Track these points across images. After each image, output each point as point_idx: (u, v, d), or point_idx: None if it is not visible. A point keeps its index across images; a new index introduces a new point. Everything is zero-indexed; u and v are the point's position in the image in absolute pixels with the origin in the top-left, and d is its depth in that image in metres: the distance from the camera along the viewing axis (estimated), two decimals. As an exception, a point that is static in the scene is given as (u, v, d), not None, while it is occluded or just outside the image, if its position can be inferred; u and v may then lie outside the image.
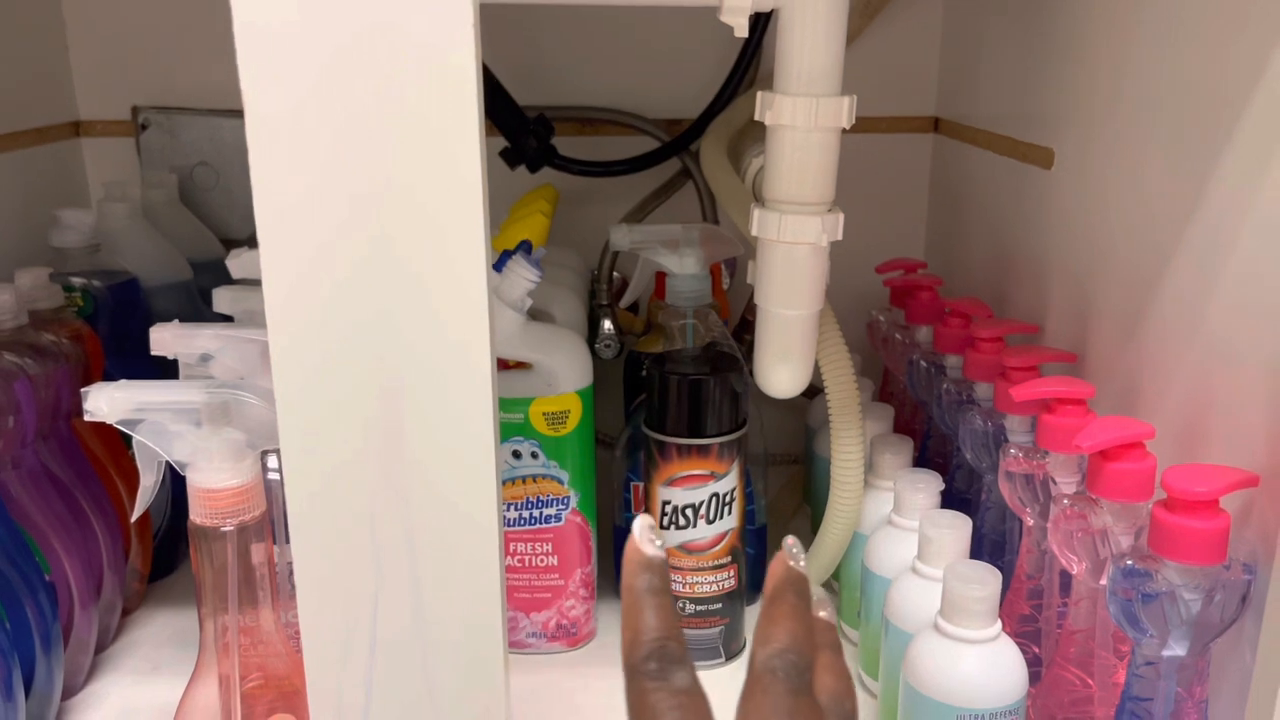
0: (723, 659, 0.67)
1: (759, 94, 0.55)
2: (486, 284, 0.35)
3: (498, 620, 0.39)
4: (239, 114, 0.90)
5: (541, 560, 0.66)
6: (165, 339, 0.47)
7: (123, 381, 0.43)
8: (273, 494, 0.48)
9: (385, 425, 0.36)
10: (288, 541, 0.52)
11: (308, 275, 0.35)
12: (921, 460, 0.72)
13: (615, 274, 0.82)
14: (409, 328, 0.36)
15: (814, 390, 0.66)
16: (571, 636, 0.69)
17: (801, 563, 0.34)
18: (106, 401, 0.42)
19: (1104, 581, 0.48)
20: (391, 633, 0.38)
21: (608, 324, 0.80)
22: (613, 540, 0.75)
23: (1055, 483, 0.53)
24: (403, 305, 0.36)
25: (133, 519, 0.47)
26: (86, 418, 0.42)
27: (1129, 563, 0.43)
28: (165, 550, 0.76)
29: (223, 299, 0.56)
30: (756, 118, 0.56)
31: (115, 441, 0.70)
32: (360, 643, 0.39)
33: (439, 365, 0.36)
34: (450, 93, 0.34)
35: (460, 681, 0.39)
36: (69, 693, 0.62)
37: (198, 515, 0.44)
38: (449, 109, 0.34)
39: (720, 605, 0.66)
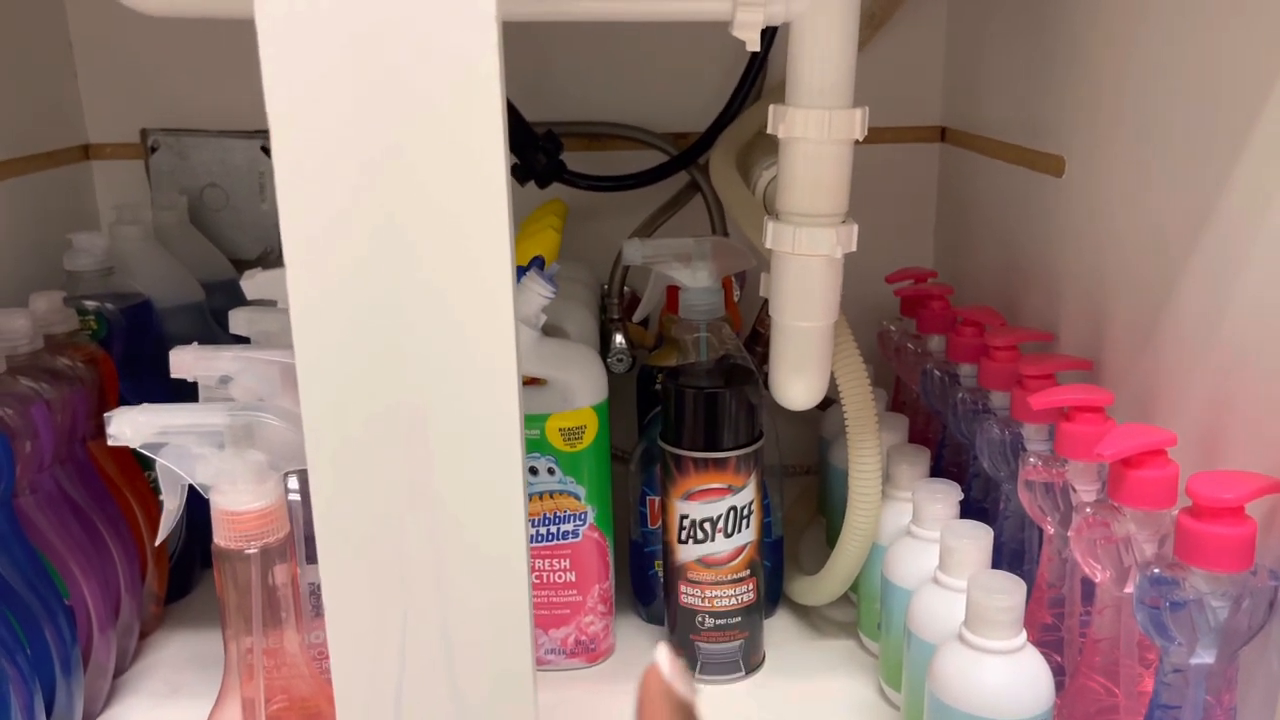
0: (742, 673, 0.67)
1: (771, 107, 0.55)
2: (512, 298, 0.35)
3: (526, 638, 0.39)
4: (248, 135, 0.90)
5: (559, 576, 0.66)
6: (186, 361, 0.47)
7: (145, 405, 0.43)
8: (293, 515, 0.48)
9: (412, 443, 0.36)
10: (309, 562, 0.53)
11: (333, 295, 0.35)
12: (936, 470, 0.72)
13: (626, 288, 0.83)
14: (436, 345, 0.36)
15: (827, 401, 0.66)
16: (590, 652, 0.68)
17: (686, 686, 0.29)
18: (130, 425, 0.42)
19: (1128, 589, 0.48)
20: (420, 652, 0.38)
21: (619, 338, 0.80)
22: (629, 555, 0.75)
23: (1075, 490, 0.53)
24: (428, 322, 0.36)
25: (157, 542, 0.47)
26: (110, 442, 0.42)
27: (1156, 571, 0.43)
28: (181, 572, 0.76)
29: (239, 320, 0.56)
30: (769, 130, 0.56)
31: (130, 464, 0.70)
32: (389, 663, 0.38)
33: (465, 381, 0.36)
34: (476, 112, 0.34)
35: (490, 701, 0.39)
36: (88, 718, 0.62)
37: (221, 538, 0.44)
38: (475, 127, 0.34)
39: (740, 619, 0.66)
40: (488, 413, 0.36)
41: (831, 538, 0.78)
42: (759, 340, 0.86)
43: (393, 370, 0.36)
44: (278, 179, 0.34)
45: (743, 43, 0.54)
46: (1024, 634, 0.49)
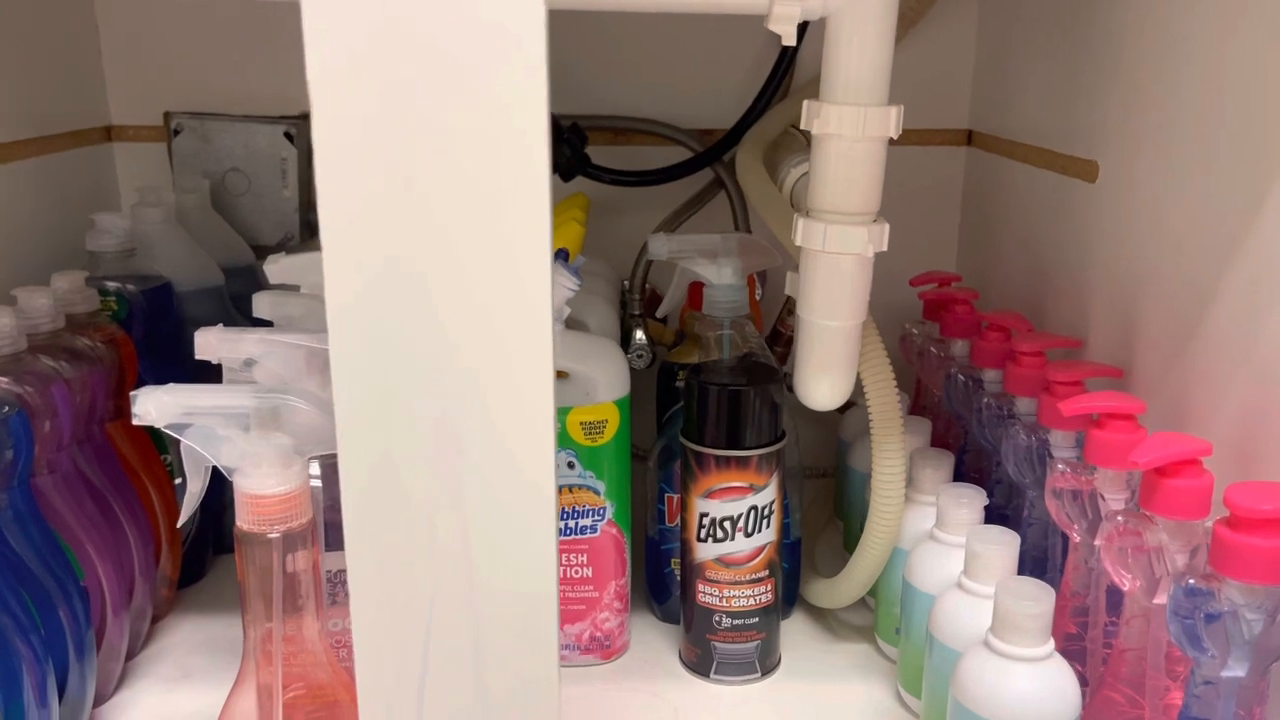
0: (758, 674, 0.66)
1: (805, 103, 0.55)
2: (549, 290, 0.35)
3: (553, 633, 0.38)
4: (272, 120, 0.90)
5: (576, 572, 0.66)
6: (210, 343, 0.47)
7: (171, 385, 0.42)
8: (314, 500, 0.48)
9: (445, 435, 0.36)
10: (328, 549, 0.52)
11: (369, 283, 0.35)
12: (958, 476, 0.71)
13: (647, 284, 0.82)
14: (472, 337, 0.35)
15: (847, 404, 0.66)
16: (605, 649, 0.68)
17: None
18: (155, 405, 0.42)
19: (1158, 600, 0.47)
20: (446, 645, 0.38)
21: (640, 334, 0.80)
22: (645, 552, 0.74)
23: (1104, 499, 0.53)
24: (465, 313, 0.35)
25: (179, 524, 0.46)
26: (135, 421, 0.42)
27: (1191, 582, 0.42)
28: (194, 556, 0.75)
29: (263, 304, 0.55)
30: (803, 126, 0.55)
31: (146, 447, 0.70)
32: (413, 655, 0.38)
33: (500, 374, 0.36)
34: (521, 99, 0.33)
35: (514, 697, 0.38)
36: (100, 700, 0.62)
37: (244, 521, 0.43)
38: (518, 113, 0.33)
39: (757, 619, 0.65)
40: (522, 406, 0.36)
41: (849, 541, 0.78)
42: (779, 340, 0.85)
43: (428, 361, 0.35)
44: (317, 165, 0.33)
45: (769, 40, 0.53)
46: (1052, 642, 0.49)
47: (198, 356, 0.47)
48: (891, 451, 0.61)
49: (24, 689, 0.52)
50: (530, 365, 0.35)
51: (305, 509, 0.44)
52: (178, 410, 0.42)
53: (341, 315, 0.35)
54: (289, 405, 0.43)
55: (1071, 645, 0.55)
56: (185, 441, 0.43)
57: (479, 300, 0.35)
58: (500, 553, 0.37)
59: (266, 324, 0.55)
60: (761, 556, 0.64)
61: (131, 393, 0.42)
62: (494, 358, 0.35)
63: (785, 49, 0.82)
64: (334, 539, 0.51)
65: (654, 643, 0.71)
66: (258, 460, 0.43)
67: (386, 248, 0.34)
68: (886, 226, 0.56)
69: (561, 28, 0.87)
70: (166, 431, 0.42)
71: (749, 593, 0.64)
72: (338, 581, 0.54)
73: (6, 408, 0.54)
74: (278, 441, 0.43)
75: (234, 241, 0.84)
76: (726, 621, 0.65)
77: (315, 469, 0.49)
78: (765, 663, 0.66)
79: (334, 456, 0.49)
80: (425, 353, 0.35)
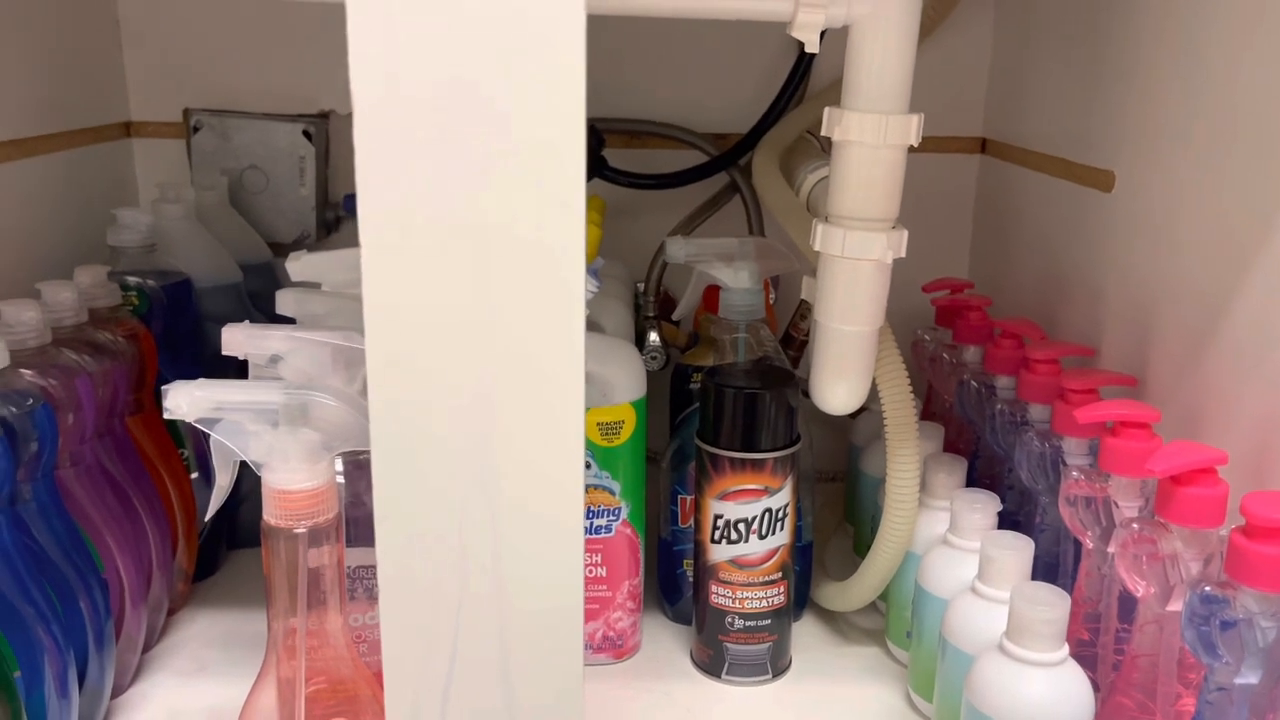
0: (769, 675, 0.67)
1: (826, 110, 0.55)
2: (583, 287, 0.35)
3: (577, 630, 0.39)
4: (290, 118, 0.90)
5: (590, 571, 0.66)
6: (237, 339, 0.48)
7: (202, 380, 0.43)
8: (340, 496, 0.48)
9: (477, 432, 0.36)
10: (350, 545, 0.53)
11: (408, 277, 0.35)
12: (969, 482, 0.71)
13: (661, 287, 0.83)
14: (508, 332, 0.36)
15: (860, 408, 0.66)
16: (618, 649, 0.68)
17: None
18: (187, 399, 0.42)
19: (1171, 607, 0.48)
20: (473, 640, 0.38)
21: (654, 336, 0.80)
22: (657, 553, 0.75)
23: (1118, 506, 0.53)
24: (501, 308, 0.36)
25: (207, 517, 0.47)
26: (166, 415, 0.42)
27: (1207, 589, 0.43)
28: (209, 550, 0.76)
29: (286, 301, 0.56)
30: (824, 133, 0.56)
31: (165, 441, 0.70)
32: (441, 651, 0.38)
33: (533, 372, 0.36)
34: (556, 102, 0.34)
35: (541, 695, 0.39)
36: (116, 691, 0.62)
37: (271, 516, 0.44)
38: (555, 114, 0.34)
39: (769, 621, 0.65)
40: (553, 397, 0.36)
41: (859, 545, 0.78)
42: (792, 344, 0.86)
43: (463, 357, 0.36)
44: (358, 160, 0.34)
45: (785, 46, 0.54)
46: (1066, 647, 0.49)
47: (225, 352, 0.47)
48: (906, 456, 0.62)
49: (45, 679, 0.53)
50: (562, 366, 0.36)
51: (331, 505, 0.45)
52: (209, 405, 0.43)
53: (378, 305, 0.36)
54: (317, 401, 0.43)
55: (1083, 651, 0.55)
56: (215, 436, 0.43)
57: (513, 302, 0.35)
58: (530, 550, 0.38)
59: (288, 320, 0.55)
60: (775, 559, 0.64)
61: (163, 387, 0.42)
62: (531, 347, 0.36)
63: (802, 55, 0.83)
64: (356, 535, 0.51)
65: (665, 643, 0.71)
66: (286, 456, 0.43)
67: (425, 235, 0.35)
68: (905, 233, 0.56)
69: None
70: (196, 425, 0.43)
71: (762, 594, 0.65)
72: (358, 578, 0.55)
73: (31, 400, 0.55)
74: (306, 437, 0.43)
75: (251, 239, 0.85)
76: (739, 623, 0.65)
77: (338, 465, 0.50)
78: (777, 664, 0.67)
79: (358, 453, 0.50)
80: (458, 353, 0.36)
